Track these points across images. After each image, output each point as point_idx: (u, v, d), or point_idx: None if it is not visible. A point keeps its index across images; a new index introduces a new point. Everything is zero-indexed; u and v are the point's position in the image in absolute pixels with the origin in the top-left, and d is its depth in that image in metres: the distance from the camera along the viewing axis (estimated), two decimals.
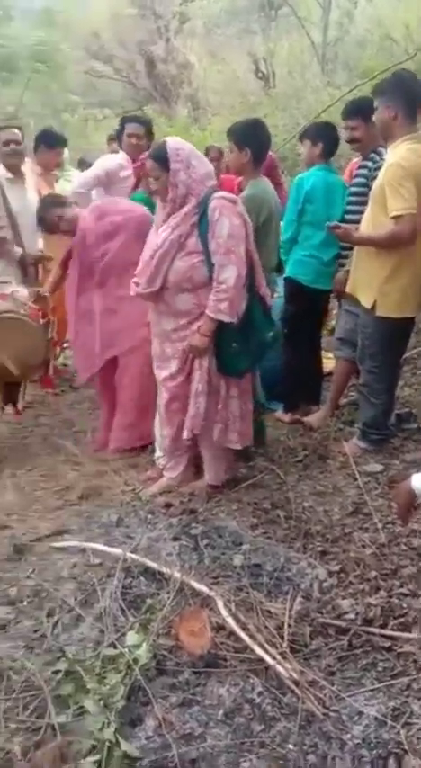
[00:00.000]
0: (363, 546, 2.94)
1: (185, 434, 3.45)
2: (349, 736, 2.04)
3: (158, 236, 3.34)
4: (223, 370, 3.41)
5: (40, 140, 5.65)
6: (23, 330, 4.20)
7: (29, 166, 5.43)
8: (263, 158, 3.98)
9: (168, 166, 3.25)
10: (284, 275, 4.55)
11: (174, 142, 3.33)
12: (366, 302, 3.75)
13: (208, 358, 3.36)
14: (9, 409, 4.73)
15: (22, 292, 4.42)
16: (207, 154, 6.94)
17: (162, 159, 3.26)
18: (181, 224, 3.29)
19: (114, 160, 5.19)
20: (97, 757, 1.94)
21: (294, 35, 15.97)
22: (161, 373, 3.53)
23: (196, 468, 3.68)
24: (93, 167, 5.34)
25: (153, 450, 3.98)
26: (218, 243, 3.23)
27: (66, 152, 6.11)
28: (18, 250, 4.90)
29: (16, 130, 5.08)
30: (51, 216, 4.13)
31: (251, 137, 3.88)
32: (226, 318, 3.25)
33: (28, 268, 5.02)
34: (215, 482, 3.58)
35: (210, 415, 3.43)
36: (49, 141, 5.65)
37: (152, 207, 4.52)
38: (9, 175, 4.92)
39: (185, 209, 3.28)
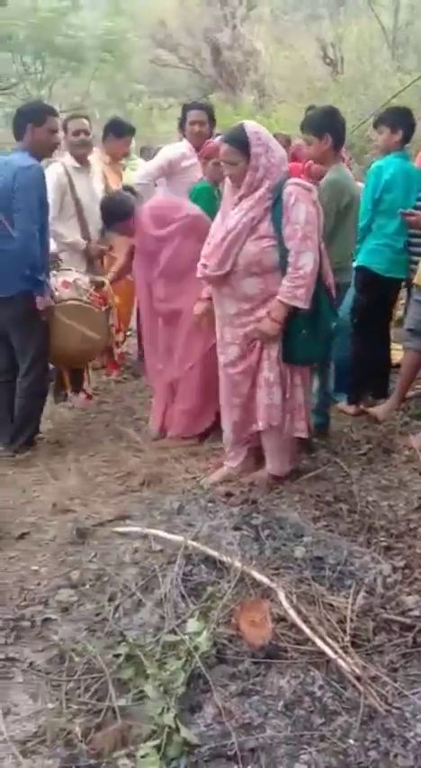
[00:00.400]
0: None
1: (261, 425, 3.42)
2: (412, 733, 1.99)
3: (231, 219, 3.30)
4: (291, 358, 3.36)
5: (109, 129, 5.67)
6: (87, 317, 4.30)
7: (97, 155, 5.47)
8: (342, 144, 3.94)
9: (249, 150, 3.20)
10: (356, 264, 4.45)
11: (252, 125, 3.28)
12: None
13: (276, 346, 3.33)
14: (74, 398, 4.84)
15: (84, 279, 4.47)
16: None
17: (242, 143, 3.21)
18: (254, 207, 3.24)
19: (177, 150, 5.16)
20: (157, 742, 1.95)
21: (363, 19, 15.66)
22: (221, 359, 3.52)
23: (257, 458, 3.65)
24: (155, 158, 5.30)
25: (214, 439, 3.98)
26: (294, 228, 3.17)
27: (132, 141, 6.12)
28: (82, 242, 4.94)
29: (85, 120, 5.11)
30: (112, 223, 4.22)
31: (329, 124, 3.85)
32: (300, 305, 3.20)
33: (93, 259, 5.06)
34: (279, 473, 3.55)
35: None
36: (118, 130, 5.66)
37: (209, 195, 4.53)
38: (76, 164, 4.97)
39: (259, 193, 3.24)
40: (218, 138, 4.96)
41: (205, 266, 3.41)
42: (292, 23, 20.76)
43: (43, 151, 4.15)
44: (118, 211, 4.23)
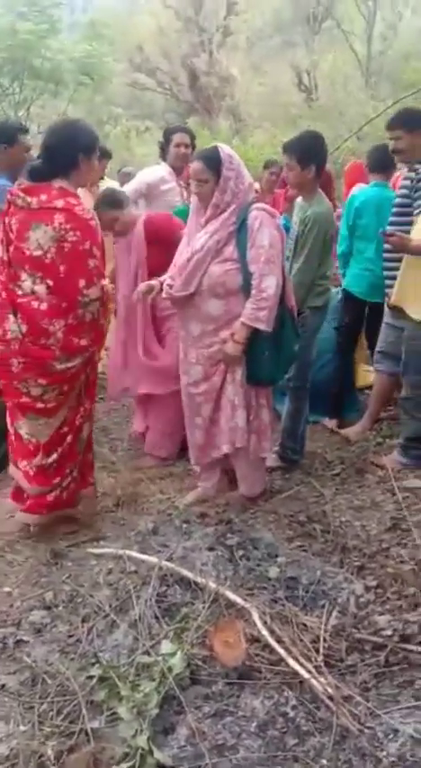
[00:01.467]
0: (402, 562, 2.89)
1: (225, 449, 3.44)
2: (384, 753, 2.00)
3: (197, 241, 3.35)
4: (255, 378, 3.40)
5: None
6: None
7: None
8: (322, 173, 3.94)
9: (220, 172, 3.25)
10: (342, 287, 4.73)
11: (226, 149, 3.34)
12: (416, 314, 3.72)
13: (240, 368, 3.36)
14: None
15: None
16: (266, 167, 6.96)
17: (214, 163, 3.26)
18: (219, 230, 3.29)
19: (155, 173, 5.19)
20: (130, 764, 1.95)
21: (338, 48, 15.99)
22: (183, 379, 3.53)
23: (231, 478, 3.67)
24: (132, 181, 5.33)
25: (189, 459, 3.99)
26: (258, 252, 3.23)
27: (107, 165, 6.13)
28: None
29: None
30: (107, 217, 4.06)
31: (314, 153, 3.79)
32: (263, 326, 3.24)
33: None
34: (250, 494, 3.57)
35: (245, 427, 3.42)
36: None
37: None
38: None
39: (224, 216, 3.29)
40: None
41: (170, 286, 3.44)
42: (268, 50, 21.12)
43: (18, 170, 4.14)
44: (114, 201, 4.19)
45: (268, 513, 3.40)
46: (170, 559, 2.83)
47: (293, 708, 2.16)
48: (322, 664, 2.29)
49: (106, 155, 5.81)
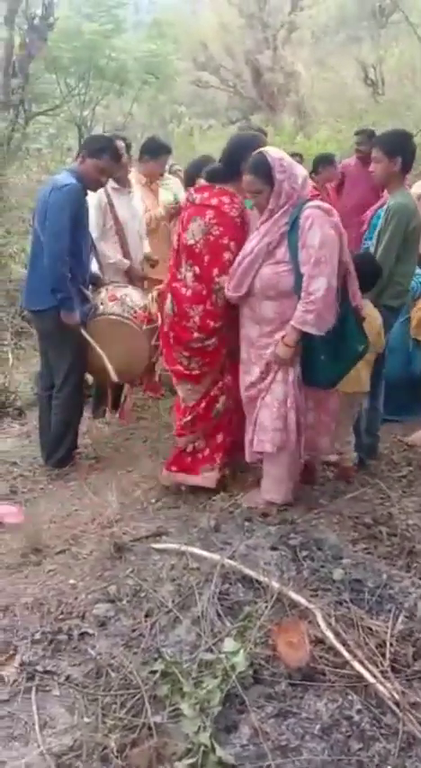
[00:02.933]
0: None
1: (268, 447, 3.36)
2: None
3: (249, 243, 3.32)
4: (311, 381, 3.32)
5: (145, 150, 5.71)
6: (127, 334, 4.28)
7: (134, 176, 5.51)
8: (409, 169, 3.88)
9: (272, 177, 3.20)
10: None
11: (274, 152, 3.27)
12: None
13: (293, 369, 3.29)
14: (110, 416, 4.86)
15: (134, 296, 4.48)
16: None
17: (265, 171, 3.21)
18: (270, 231, 3.24)
19: None
20: (192, 761, 1.95)
21: (405, 41, 15.66)
22: (244, 378, 3.48)
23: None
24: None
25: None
26: (308, 253, 3.13)
27: (169, 160, 6.09)
28: (126, 262, 4.98)
29: (121, 142, 5.15)
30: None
31: (402, 146, 3.79)
32: (312, 330, 3.15)
33: (134, 282, 5.07)
34: (273, 499, 3.43)
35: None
36: (154, 151, 5.68)
37: None
38: (115, 185, 4.99)
39: (276, 216, 3.23)
40: None
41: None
42: (333, 45, 20.88)
43: (87, 183, 4.18)
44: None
45: (332, 514, 3.35)
46: (232, 557, 2.83)
47: (358, 712, 2.12)
48: (388, 668, 2.25)
49: (165, 151, 5.79)
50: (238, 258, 3.35)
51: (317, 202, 3.29)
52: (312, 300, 3.12)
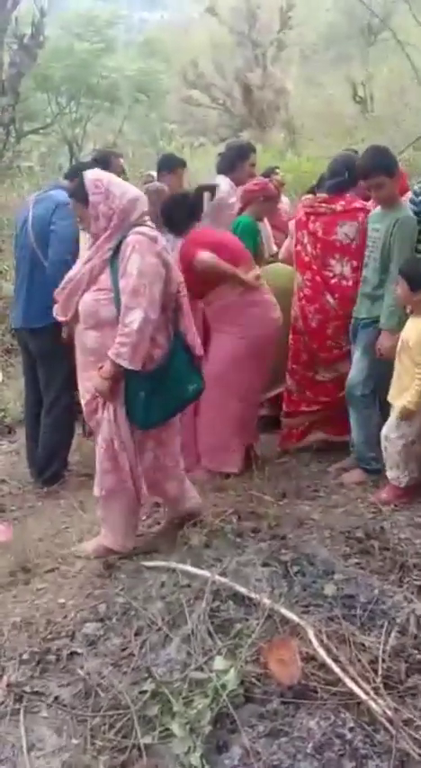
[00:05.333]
0: None
1: (96, 490, 3.21)
2: None
3: (74, 267, 3.23)
4: (132, 420, 3.09)
5: (161, 166, 5.76)
6: None
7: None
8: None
9: (87, 200, 3.09)
10: None
11: (92, 174, 3.15)
12: None
13: (116, 405, 3.08)
14: None
15: None
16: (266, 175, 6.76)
17: (81, 194, 3.11)
18: (94, 257, 3.12)
19: (223, 187, 5.22)
20: None
21: (393, 59, 15.82)
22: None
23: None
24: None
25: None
26: (127, 281, 2.97)
27: (186, 174, 6.09)
28: None
29: (122, 159, 5.20)
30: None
31: (394, 161, 3.88)
32: (125, 364, 2.95)
33: None
34: (112, 545, 3.23)
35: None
36: (168, 164, 5.72)
37: (252, 231, 4.61)
38: None
39: (99, 242, 3.11)
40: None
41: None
42: (322, 63, 21.06)
43: None
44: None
45: (324, 528, 3.32)
46: (223, 574, 2.80)
47: (351, 730, 2.09)
48: (381, 685, 2.22)
49: (180, 164, 5.82)
50: (63, 282, 3.24)
51: (143, 229, 3.08)
52: (126, 333, 2.94)
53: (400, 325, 3.69)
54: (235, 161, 5.24)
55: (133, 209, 3.11)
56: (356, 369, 3.96)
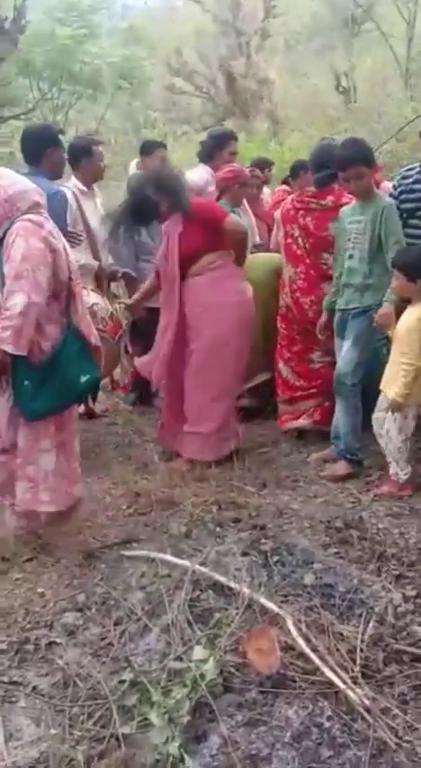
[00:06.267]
0: None
1: None
2: None
3: None
4: (20, 411, 3.08)
5: (141, 152, 5.73)
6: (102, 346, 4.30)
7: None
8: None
9: None
10: None
11: None
12: None
13: (5, 396, 3.07)
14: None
15: (99, 303, 4.48)
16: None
17: None
18: None
19: (201, 176, 5.20)
20: None
21: (377, 50, 15.84)
22: None
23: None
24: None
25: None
26: (10, 266, 2.96)
27: (132, 165, 6.07)
28: (95, 263, 4.96)
29: (100, 148, 5.14)
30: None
31: (371, 152, 3.92)
32: (9, 349, 2.93)
33: (102, 282, 5.07)
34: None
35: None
36: (146, 148, 5.70)
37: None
38: (84, 188, 4.97)
39: None
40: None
41: None
42: (306, 53, 21.03)
43: (59, 174, 4.17)
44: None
45: (303, 518, 3.33)
46: (203, 564, 2.80)
47: (329, 719, 2.10)
48: (359, 674, 2.23)
49: (158, 145, 5.80)
50: None
51: (30, 215, 3.07)
52: (8, 316, 2.92)
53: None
54: (213, 150, 5.25)
55: (20, 199, 3.07)
56: (346, 359, 3.94)
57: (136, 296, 4.58)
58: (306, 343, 4.48)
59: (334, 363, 4.12)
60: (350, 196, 4.14)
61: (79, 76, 15.79)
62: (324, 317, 4.22)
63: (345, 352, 3.96)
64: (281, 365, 4.62)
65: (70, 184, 4.91)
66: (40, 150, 4.13)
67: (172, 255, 4.07)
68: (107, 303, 4.66)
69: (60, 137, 4.34)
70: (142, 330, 4.71)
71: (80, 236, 4.58)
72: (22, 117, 14.74)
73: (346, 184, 3.96)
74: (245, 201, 5.23)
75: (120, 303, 4.61)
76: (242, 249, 4.29)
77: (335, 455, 4.05)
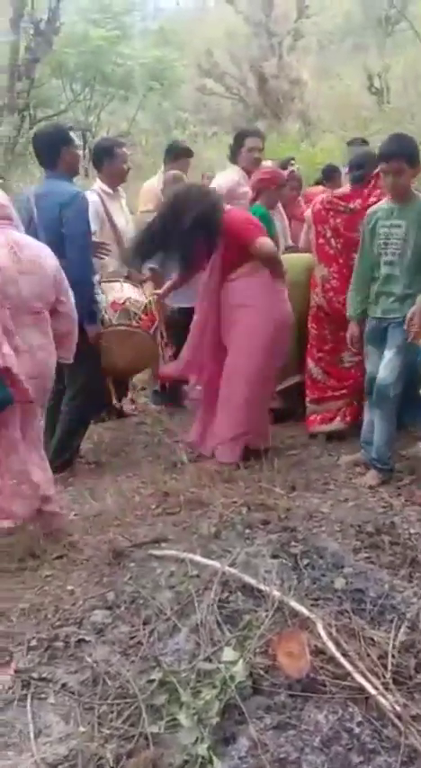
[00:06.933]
0: None
1: None
2: None
3: None
4: None
5: (166, 154, 5.72)
6: (138, 342, 4.41)
7: (159, 179, 5.50)
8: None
9: None
10: None
11: None
12: None
13: None
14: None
15: (133, 297, 4.49)
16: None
17: None
18: None
19: (231, 177, 5.18)
20: None
21: (410, 50, 15.69)
22: None
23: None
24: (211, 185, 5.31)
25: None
26: None
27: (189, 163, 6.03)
28: (123, 270, 4.89)
29: (125, 149, 5.13)
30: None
31: (417, 150, 3.74)
32: None
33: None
34: None
35: None
36: (172, 154, 5.69)
37: (268, 221, 4.58)
38: (109, 191, 4.96)
39: None
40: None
41: None
42: (338, 53, 20.92)
43: (76, 171, 4.19)
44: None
45: (334, 522, 3.31)
46: (233, 565, 2.78)
47: (359, 724, 2.08)
48: (390, 680, 2.20)
49: (184, 153, 5.77)
50: None
51: None
52: None
53: None
54: (234, 149, 5.23)
55: None
56: (388, 368, 3.78)
57: (166, 286, 4.59)
58: (337, 343, 4.45)
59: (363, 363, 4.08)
60: (376, 196, 4.09)
61: (111, 78, 15.87)
62: (355, 329, 4.06)
63: (388, 362, 3.78)
64: (311, 365, 4.60)
65: (96, 187, 4.92)
66: (55, 151, 4.12)
67: (214, 273, 4.13)
68: (142, 295, 4.65)
69: (71, 134, 4.35)
70: (177, 333, 4.72)
71: (108, 245, 4.58)
72: (55, 118, 14.84)
73: (384, 177, 3.78)
74: (279, 204, 5.20)
75: (153, 295, 4.61)
76: (275, 267, 4.18)
77: (365, 460, 4.01)
